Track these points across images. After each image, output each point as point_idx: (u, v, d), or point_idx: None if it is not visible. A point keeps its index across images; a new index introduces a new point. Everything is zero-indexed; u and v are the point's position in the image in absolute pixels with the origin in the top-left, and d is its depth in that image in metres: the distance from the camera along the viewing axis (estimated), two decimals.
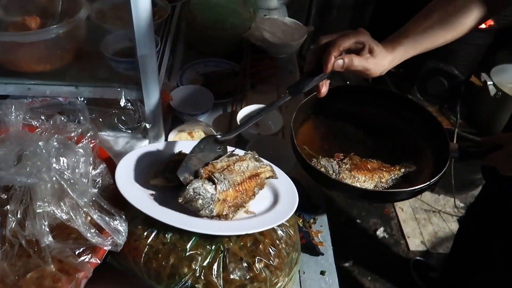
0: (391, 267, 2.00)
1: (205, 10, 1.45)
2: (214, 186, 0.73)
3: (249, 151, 0.85)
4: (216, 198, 0.72)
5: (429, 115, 1.01)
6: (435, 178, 0.85)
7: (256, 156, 0.84)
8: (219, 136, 0.82)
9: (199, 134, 1.13)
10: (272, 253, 0.74)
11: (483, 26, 2.00)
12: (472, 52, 2.21)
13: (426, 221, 2.21)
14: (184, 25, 1.52)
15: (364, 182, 0.92)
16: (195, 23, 1.44)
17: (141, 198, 0.73)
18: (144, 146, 0.88)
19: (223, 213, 0.74)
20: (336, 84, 1.05)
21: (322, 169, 0.90)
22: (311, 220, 1.01)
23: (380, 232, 2.14)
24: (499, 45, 2.22)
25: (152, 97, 0.94)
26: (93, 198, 0.68)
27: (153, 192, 0.77)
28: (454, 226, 2.18)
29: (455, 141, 1.99)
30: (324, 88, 0.85)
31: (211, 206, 0.71)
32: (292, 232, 0.80)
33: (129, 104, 0.91)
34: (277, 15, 1.72)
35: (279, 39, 1.54)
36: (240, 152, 0.87)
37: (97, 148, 0.80)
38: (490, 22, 2.13)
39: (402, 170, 0.96)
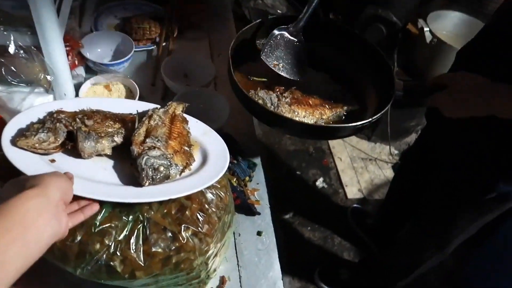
0: (330, 216, 2.03)
1: None
2: (156, 149, 0.67)
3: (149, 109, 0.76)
4: (168, 155, 0.68)
5: (374, 51, 0.96)
6: (378, 115, 0.81)
7: (155, 107, 0.78)
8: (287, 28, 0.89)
9: (118, 87, 0.99)
10: (201, 219, 0.67)
11: None
12: None
13: (363, 169, 2.26)
14: None
15: (304, 117, 0.87)
16: None
17: (36, 165, 0.61)
18: (46, 103, 0.74)
19: (186, 162, 0.70)
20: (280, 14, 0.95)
21: (260, 101, 0.84)
22: (246, 178, 0.94)
23: (320, 183, 2.16)
24: None
25: (52, 43, 0.78)
26: None
27: (54, 158, 0.65)
28: (389, 173, 2.25)
29: None
30: None
31: (173, 164, 0.67)
32: (223, 194, 0.73)
33: (21, 51, 0.74)
34: None
35: None
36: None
37: None
38: None
39: (345, 108, 0.92)
